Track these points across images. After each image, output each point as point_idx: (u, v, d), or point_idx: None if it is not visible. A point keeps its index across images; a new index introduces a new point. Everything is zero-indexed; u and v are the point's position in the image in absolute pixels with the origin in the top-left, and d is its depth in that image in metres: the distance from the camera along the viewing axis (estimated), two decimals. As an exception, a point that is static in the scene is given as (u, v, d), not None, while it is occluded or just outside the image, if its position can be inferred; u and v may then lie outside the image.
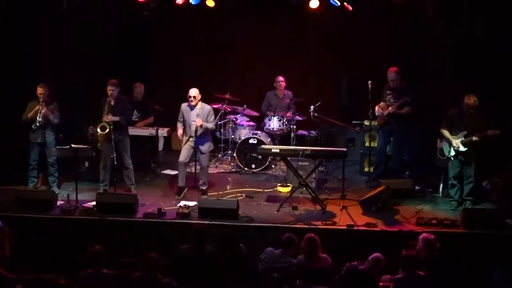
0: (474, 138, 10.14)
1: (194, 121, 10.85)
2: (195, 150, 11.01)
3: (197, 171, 11.49)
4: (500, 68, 11.24)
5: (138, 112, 12.50)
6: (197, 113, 10.85)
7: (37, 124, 10.83)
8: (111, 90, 10.65)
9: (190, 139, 10.93)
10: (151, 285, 7.39)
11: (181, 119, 11.01)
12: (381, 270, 7.74)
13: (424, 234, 8.26)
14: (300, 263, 8.12)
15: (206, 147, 11.01)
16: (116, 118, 10.67)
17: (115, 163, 10.60)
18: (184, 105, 11.01)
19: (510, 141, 10.99)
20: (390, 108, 11.35)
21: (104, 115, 10.59)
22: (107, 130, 10.56)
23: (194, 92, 10.84)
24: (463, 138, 10.26)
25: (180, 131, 11.01)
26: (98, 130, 10.61)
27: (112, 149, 10.58)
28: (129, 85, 12.29)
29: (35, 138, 10.98)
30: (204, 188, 11.09)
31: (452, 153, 10.45)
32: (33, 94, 10.93)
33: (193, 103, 10.82)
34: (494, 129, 10.03)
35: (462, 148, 10.31)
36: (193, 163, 11.46)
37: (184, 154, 11.04)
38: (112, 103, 10.67)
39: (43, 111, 10.83)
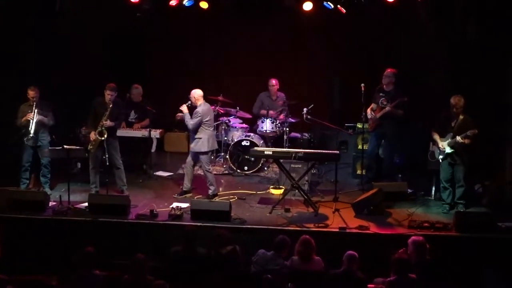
0: (458, 139, 10.18)
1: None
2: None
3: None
4: (491, 72, 11.27)
5: (135, 114, 12.49)
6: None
7: (29, 137, 10.80)
8: (110, 94, 10.62)
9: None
10: (142, 286, 7.39)
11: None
12: (358, 267, 7.77)
13: (413, 237, 8.30)
14: (294, 264, 8.14)
15: (194, 145, 11.03)
16: (112, 124, 10.69)
17: (107, 163, 10.58)
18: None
19: (501, 144, 11.04)
20: (387, 107, 11.34)
21: (103, 120, 10.56)
22: (105, 136, 10.54)
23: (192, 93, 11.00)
24: (450, 140, 10.31)
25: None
26: (97, 135, 10.57)
27: (104, 151, 10.56)
28: (122, 86, 12.23)
29: (30, 140, 10.92)
30: (211, 194, 11.06)
31: (441, 156, 10.50)
32: (26, 95, 10.89)
33: (187, 104, 10.94)
34: (473, 129, 10.07)
35: (448, 150, 10.37)
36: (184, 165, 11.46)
37: (189, 155, 11.20)
38: (110, 107, 10.64)
39: (35, 119, 10.79)
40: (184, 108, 10.95)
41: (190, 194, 11.14)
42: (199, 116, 10.92)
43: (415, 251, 8.04)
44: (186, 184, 11.19)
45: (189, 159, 11.19)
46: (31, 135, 10.79)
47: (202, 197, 11.01)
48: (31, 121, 10.78)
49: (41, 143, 11.01)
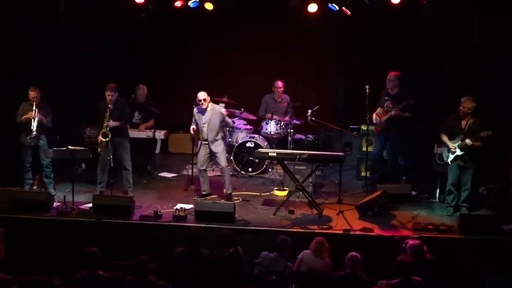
0: (468, 141, 10.15)
1: (204, 123, 10.85)
2: (210, 153, 11.01)
3: (194, 174, 11.49)
4: (495, 75, 11.25)
5: (139, 114, 12.49)
6: (209, 117, 10.81)
7: (32, 136, 10.79)
8: (110, 95, 10.62)
9: (203, 143, 10.96)
10: (145, 287, 7.39)
11: (194, 123, 11.03)
12: (361, 268, 7.79)
13: (409, 242, 8.31)
14: (305, 257, 8.28)
15: (219, 147, 10.95)
16: (117, 124, 10.67)
17: (112, 165, 10.58)
18: (195, 110, 11.00)
19: (506, 146, 11.01)
20: (392, 111, 11.32)
21: (105, 122, 10.56)
22: (109, 137, 10.54)
23: (202, 95, 10.81)
24: (460, 142, 10.28)
25: (192, 128, 10.99)
26: (101, 137, 10.57)
27: (109, 152, 10.56)
28: (126, 87, 12.24)
29: (28, 141, 10.92)
30: (229, 191, 11.03)
31: (450, 157, 10.46)
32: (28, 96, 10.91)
33: (204, 107, 10.80)
34: (486, 130, 10.04)
35: (458, 152, 10.32)
36: (188, 166, 11.44)
37: (200, 160, 11.08)
38: (111, 107, 10.63)
39: (36, 118, 10.79)
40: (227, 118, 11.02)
41: (211, 197, 11.14)
42: (224, 110, 11.02)
43: (413, 254, 8.09)
44: (204, 187, 11.18)
45: (200, 163, 11.08)
46: (34, 133, 10.78)
47: (216, 197, 11.11)
48: (33, 120, 10.78)
49: (40, 143, 11.01)
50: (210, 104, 10.93)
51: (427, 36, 12.05)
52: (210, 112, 10.85)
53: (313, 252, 8.29)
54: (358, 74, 13.08)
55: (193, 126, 11.00)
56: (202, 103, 10.78)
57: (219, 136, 10.96)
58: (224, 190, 11.10)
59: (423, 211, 10.64)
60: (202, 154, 11.03)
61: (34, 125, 10.78)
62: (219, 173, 12.54)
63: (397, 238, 9.12)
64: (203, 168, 11.10)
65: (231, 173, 12.56)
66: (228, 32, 13.94)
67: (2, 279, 7.37)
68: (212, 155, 11.08)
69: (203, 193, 11.13)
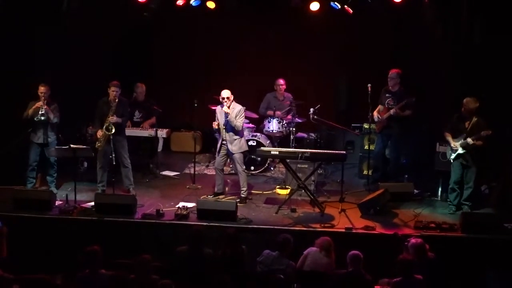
0: (469, 140, 10.17)
1: (224, 123, 10.79)
2: (228, 153, 10.99)
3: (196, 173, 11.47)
4: (498, 75, 11.24)
5: (139, 113, 12.48)
6: (229, 116, 10.74)
7: (39, 118, 10.79)
8: (114, 91, 10.63)
9: (223, 143, 10.92)
10: (148, 286, 7.39)
11: (217, 120, 11.00)
12: (363, 266, 7.79)
13: (411, 241, 8.31)
14: (311, 253, 8.31)
15: (236, 146, 10.90)
16: (119, 120, 10.69)
17: (114, 163, 10.57)
18: (218, 108, 11.00)
19: (507, 145, 11.01)
20: (392, 110, 11.31)
21: (109, 116, 10.55)
22: (114, 131, 10.54)
23: (225, 93, 10.80)
24: (462, 141, 10.28)
25: (214, 124, 10.99)
26: (104, 130, 10.56)
27: (111, 150, 10.56)
28: (129, 86, 12.25)
29: (37, 138, 10.97)
30: (243, 195, 10.99)
31: (453, 155, 10.47)
32: (32, 94, 10.91)
33: (227, 105, 10.74)
34: (486, 129, 10.04)
35: (460, 150, 10.34)
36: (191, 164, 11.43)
37: (218, 161, 11.09)
38: (115, 103, 10.65)
39: (44, 107, 10.80)
40: (228, 110, 10.77)
41: (224, 196, 11.14)
42: (243, 115, 10.94)
43: (415, 252, 8.09)
44: (218, 187, 11.18)
45: (218, 163, 11.10)
46: (41, 112, 10.76)
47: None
48: (40, 106, 10.78)
49: (48, 141, 11.03)
50: (233, 104, 10.89)
51: (428, 35, 12.05)
52: (230, 112, 10.79)
53: (321, 250, 8.29)
54: (360, 73, 13.07)
55: (215, 122, 10.96)
56: (226, 101, 10.73)
57: (237, 136, 10.92)
58: (241, 193, 11.06)
59: (425, 210, 10.66)
60: (221, 154, 11.03)
61: (41, 110, 10.78)
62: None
63: (399, 235, 9.13)
64: (221, 168, 11.12)
65: (232, 171, 12.58)
66: (230, 30, 13.91)
67: (4, 278, 7.38)
68: (229, 156, 11.06)
69: (217, 191, 11.14)
